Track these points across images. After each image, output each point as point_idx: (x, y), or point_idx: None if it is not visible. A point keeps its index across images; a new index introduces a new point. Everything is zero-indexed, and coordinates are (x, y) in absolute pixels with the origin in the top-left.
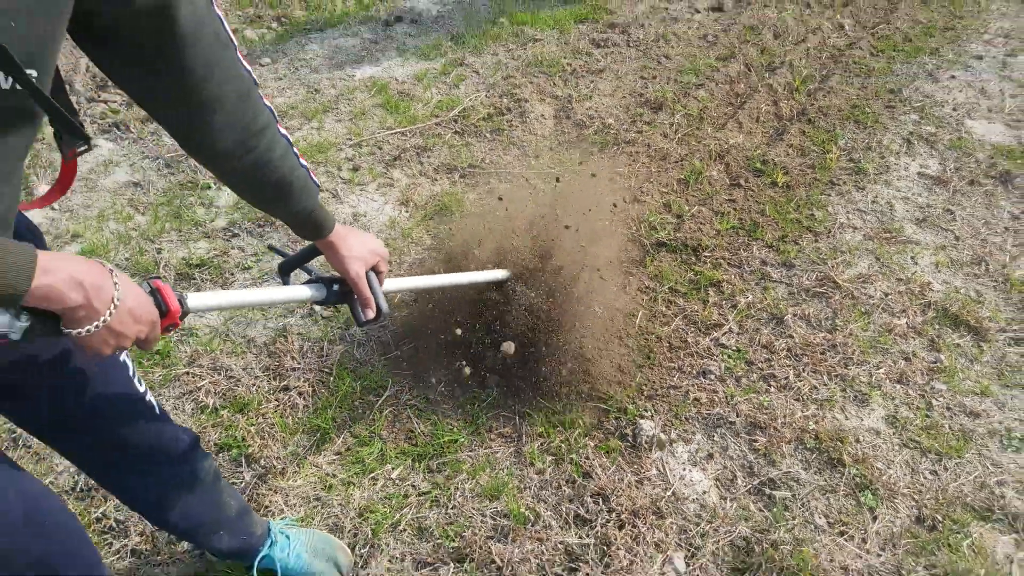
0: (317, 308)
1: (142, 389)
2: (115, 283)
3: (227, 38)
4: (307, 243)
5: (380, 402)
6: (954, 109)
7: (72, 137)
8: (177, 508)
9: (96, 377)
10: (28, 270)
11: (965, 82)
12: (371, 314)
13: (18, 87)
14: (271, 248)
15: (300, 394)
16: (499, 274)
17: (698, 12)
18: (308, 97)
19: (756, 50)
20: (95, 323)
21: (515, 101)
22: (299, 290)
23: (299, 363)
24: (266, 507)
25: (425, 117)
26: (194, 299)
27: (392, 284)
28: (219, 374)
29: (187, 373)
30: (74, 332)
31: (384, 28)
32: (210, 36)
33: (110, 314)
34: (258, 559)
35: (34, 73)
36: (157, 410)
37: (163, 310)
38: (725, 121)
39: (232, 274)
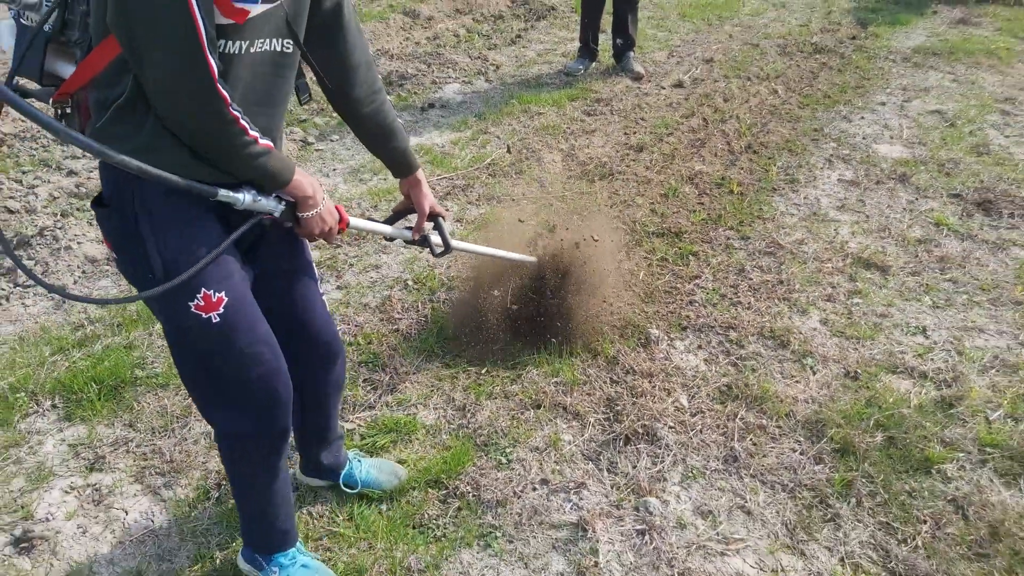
0: (404, 247)
1: (321, 291)
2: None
3: (360, 28)
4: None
5: (466, 332)
6: (864, 138)
7: (304, 92)
8: (324, 405)
9: (309, 259)
10: (291, 171)
11: (872, 120)
12: (440, 247)
13: (288, 49)
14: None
15: (408, 329)
16: (529, 258)
17: (664, 88)
18: (371, 159)
19: (711, 110)
20: (315, 210)
21: (531, 152)
22: (400, 231)
23: (402, 315)
24: (401, 396)
25: (464, 166)
26: (352, 219)
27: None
28: (349, 323)
29: None
30: (303, 214)
31: (421, 112)
32: (356, 25)
33: (322, 205)
34: (343, 474)
35: (291, 43)
36: (327, 308)
37: (338, 217)
38: (691, 156)
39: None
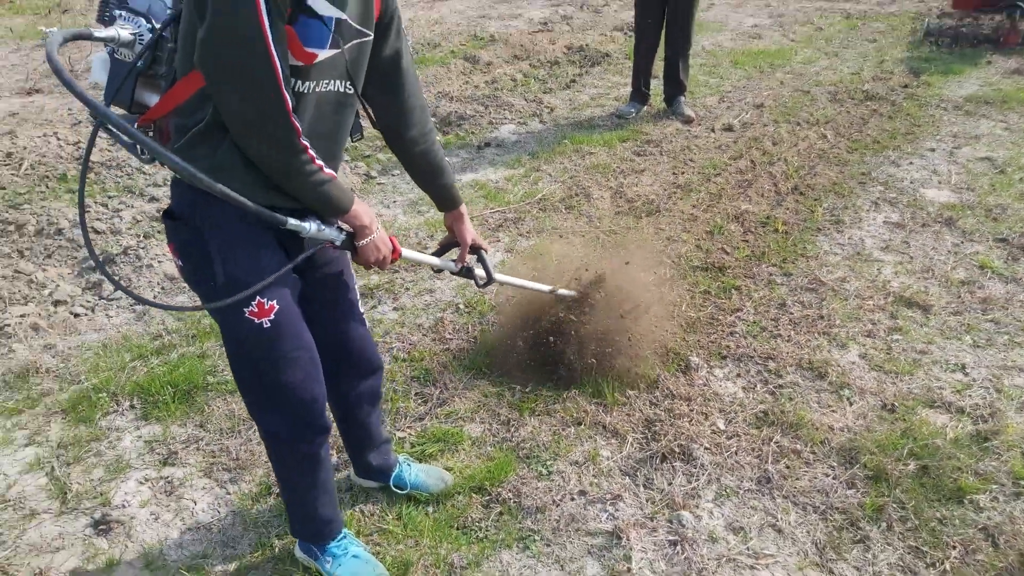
0: (452, 275)
1: (362, 311)
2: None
3: (416, 75)
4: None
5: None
6: (911, 182)
7: (356, 131)
8: (362, 413)
9: (351, 283)
10: (350, 200)
11: (921, 166)
12: (483, 279)
13: (350, 90)
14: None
15: (458, 349)
16: (569, 292)
17: (713, 132)
18: None
19: (759, 152)
20: (371, 237)
21: (581, 189)
22: (447, 263)
23: (453, 335)
24: (449, 409)
25: (516, 201)
26: (404, 251)
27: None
28: (403, 341)
29: (383, 341)
30: (360, 242)
31: (477, 150)
32: (413, 72)
33: (377, 235)
34: (393, 475)
35: (354, 86)
36: (367, 327)
37: (391, 248)
38: (737, 196)
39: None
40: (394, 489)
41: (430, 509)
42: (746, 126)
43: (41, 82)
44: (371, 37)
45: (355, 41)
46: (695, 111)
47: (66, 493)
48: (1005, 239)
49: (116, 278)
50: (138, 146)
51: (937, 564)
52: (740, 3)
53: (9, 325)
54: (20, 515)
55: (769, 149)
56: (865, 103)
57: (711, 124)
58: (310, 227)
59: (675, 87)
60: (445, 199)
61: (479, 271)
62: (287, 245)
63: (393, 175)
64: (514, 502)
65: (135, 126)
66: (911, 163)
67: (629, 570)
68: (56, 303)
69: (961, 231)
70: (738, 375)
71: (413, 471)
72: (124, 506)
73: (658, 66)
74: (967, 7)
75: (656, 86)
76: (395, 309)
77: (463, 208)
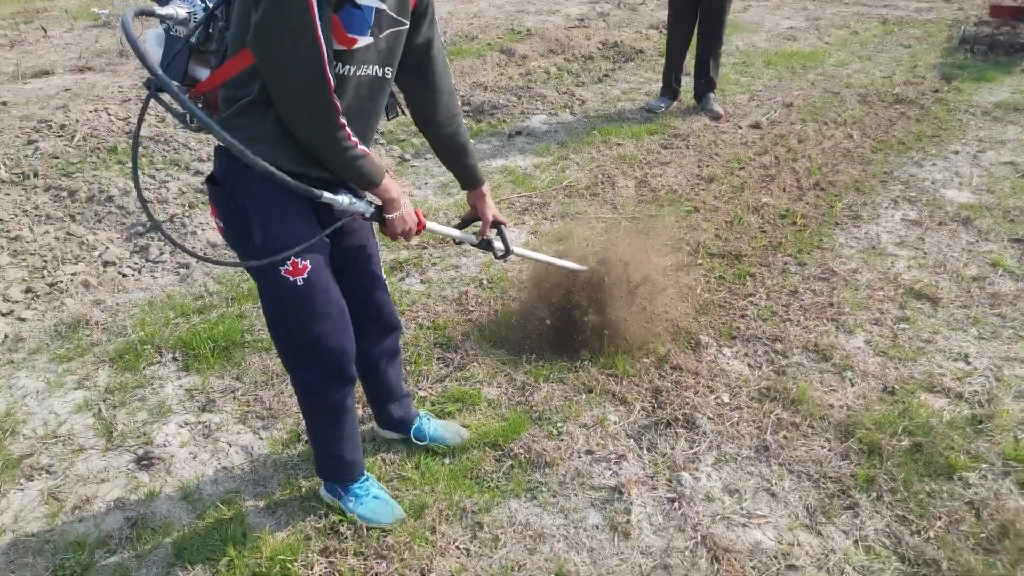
0: (471, 247)
1: (384, 277)
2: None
3: (446, 62)
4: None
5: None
6: (932, 183)
7: (392, 110)
8: (382, 368)
9: (373, 252)
10: (382, 174)
11: (943, 167)
12: (501, 250)
13: (388, 75)
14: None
15: (479, 320)
16: (581, 267)
17: (740, 128)
18: None
19: (784, 149)
20: (399, 212)
21: (606, 177)
22: (467, 235)
23: (475, 308)
24: (468, 374)
25: (543, 187)
26: (428, 223)
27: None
28: (429, 311)
29: (410, 310)
30: (389, 215)
31: (508, 138)
32: (443, 59)
33: (405, 208)
34: (413, 428)
35: (392, 71)
36: (387, 292)
37: (417, 220)
38: (759, 189)
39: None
40: (414, 440)
41: (446, 460)
42: (773, 124)
43: (92, 60)
44: (407, 26)
45: (392, 29)
46: (724, 108)
47: (111, 432)
48: (1020, 240)
49: (162, 243)
50: (188, 116)
51: (922, 532)
52: (778, 5)
53: (62, 281)
54: (69, 449)
55: (794, 146)
56: (894, 106)
57: (739, 121)
58: (343, 200)
59: (705, 84)
60: (469, 178)
61: (498, 243)
62: (320, 211)
63: (426, 159)
64: (525, 457)
65: (187, 97)
66: (934, 164)
67: (628, 521)
68: (105, 264)
69: (977, 230)
70: (745, 354)
71: (432, 425)
72: (165, 445)
73: (690, 63)
74: (1005, 16)
75: (687, 83)
76: (422, 282)
77: (485, 187)
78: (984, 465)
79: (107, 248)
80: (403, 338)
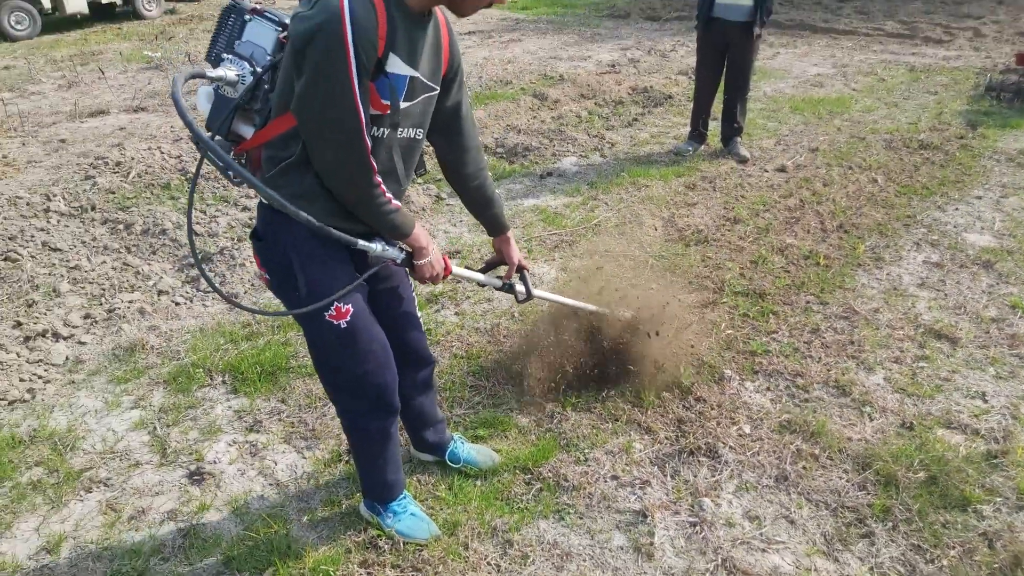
0: (495, 290)
1: (420, 317)
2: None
3: (474, 121)
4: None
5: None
6: (955, 227)
7: (421, 167)
8: (417, 399)
9: (405, 294)
10: (412, 225)
11: (966, 212)
12: (524, 294)
13: (419, 136)
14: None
15: (510, 350)
16: (602, 309)
17: (766, 172)
18: None
19: (809, 192)
20: (428, 258)
21: (634, 217)
22: (491, 279)
23: (507, 339)
24: (499, 400)
25: (573, 225)
26: (454, 268)
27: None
28: (462, 342)
29: (444, 340)
30: (418, 262)
31: (540, 179)
32: (471, 118)
33: (432, 255)
34: (447, 451)
35: (423, 132)
36: (423, 331)
37: (443, 266)
38: (784, 231)
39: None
40: (448, 463)
41: (478, 482)
42: (799, 168)
43: (146, 101)
44: (437, 91)
45: (424, 95)
46: (751, 152)
47: (165, 449)
48: None
49: (213, 275)
50: (230, 171)
51: (936, 561)
52: (806, 53)
53: (119, 308)
54: (126, 464)
55: (819, 190)
56: (919, 151)
57: (765, 165)
58: (376, 247)
59: (732, 128)
60: (495, 225)
61: (520, 287)
62: (356, 259)
63: None
64: (553, 481)
65: (231, 154)
66: (956, 209)
67: (651, 543)
68: (160, 292)
69: (998, 273)
70: (767, 388)
71: (466, 448)
72: (215, 462)
73: (717, 108)
74: None
75: (714, 127)
76: (456, 314)
77: (510, 233)
78: (999, 499)
79: (161, 278)
80: (437, 367)
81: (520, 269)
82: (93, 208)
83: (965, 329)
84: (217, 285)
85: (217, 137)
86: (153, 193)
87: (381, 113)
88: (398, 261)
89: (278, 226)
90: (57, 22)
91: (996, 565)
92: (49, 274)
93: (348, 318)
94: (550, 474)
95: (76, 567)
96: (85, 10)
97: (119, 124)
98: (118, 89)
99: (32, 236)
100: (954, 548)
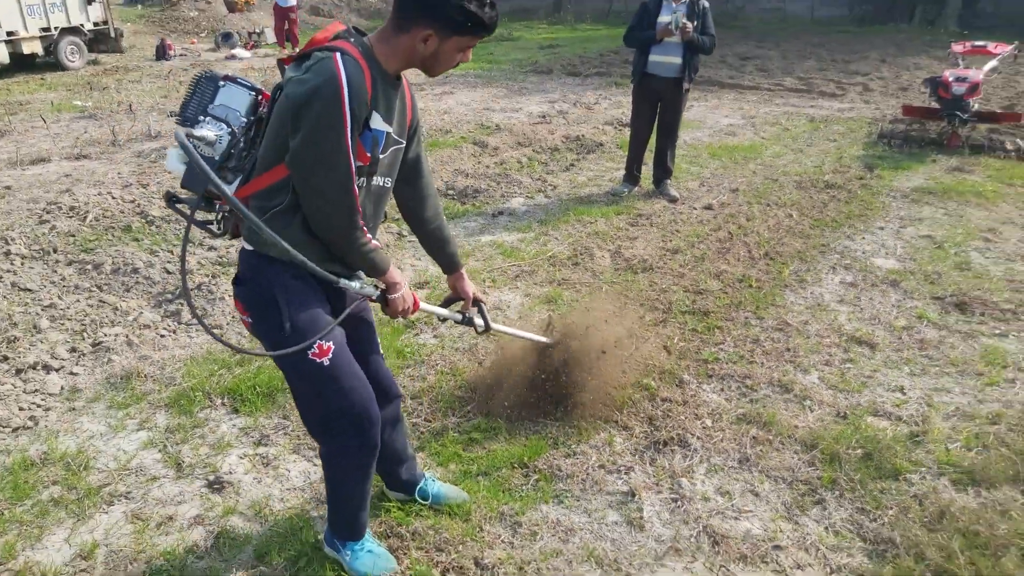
0: (456, 324)
1: (379, 346)
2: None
3: (431, 171)
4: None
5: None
6: (863, 253)
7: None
8: (387, 433)
9: (369, 322)
10: (388, 264)
11: (871, 240)
12: (482, 326)
13: (388, 184)
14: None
15: (492, 366)
16: (546, 339)
17: (695, 209)
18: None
19: (735, 226)
20: (399, 293)
21: (584, 249)
22: (453, 314)
23: (486, 356)
24: (487, 408)
25: (530, 257)
26: (422, 304)
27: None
28: (445, 361)
29: (428, 359)
30: (390, 296)
31: (492, 217)
32: (428, 169)
33: (403, 290)
34: (418, 488)
35: (391, 181)
36: (383, 361)
37: (412, 301)
38: (718, 259)
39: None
40: (419, 500)
41: (480, 479)
42: (723, 206)
43: (87, 149)
44: (403, 144)
45: (393, 148)
46: (679, 192)
47: (180, 464)
48: (940, 298)
49: (200, 313)
50: (216, 221)
51: (878, 519)
52: (716, 106)
53: (105, 341)
54: (143, 479)
55: (743, 224)
56: (826, 190)
57: (693, 203)
58: (356, 284)
59: (663, 172)
60: (450, 263)
61: (478, 320)
62: (332, 299)
63: None
64: (548, 472)
65: (218, 206)
66: (863, 238)
67: (641, 518)
68: (143, 326)
69: (904, 290)
70: (722, 389)
71: (436, 486)
72: (231, 472)
73: (648, 155)
74: (915, 115)
75: (645, 171)
76: (435, 337)
77: (464, 270)
78: (923, 468)
79: (141, 313)
80: (425, 382)
81: (476, 302)
82: (55, 250)
83: (881, 336)
84: (208, 325)
85: (190, 194)
86: (115, 235)
87: (363, 164)
88: (374, 297)
89: (263, 270)
90: None
91: (926, 519)
92: (25, 312)
93: (330, 355)
94: (545, 466)
95: (115, 570)
96: (6, 60)
97: (63, 171)
98: (55, 137)
99: (0, 277)
100: (891, 508)
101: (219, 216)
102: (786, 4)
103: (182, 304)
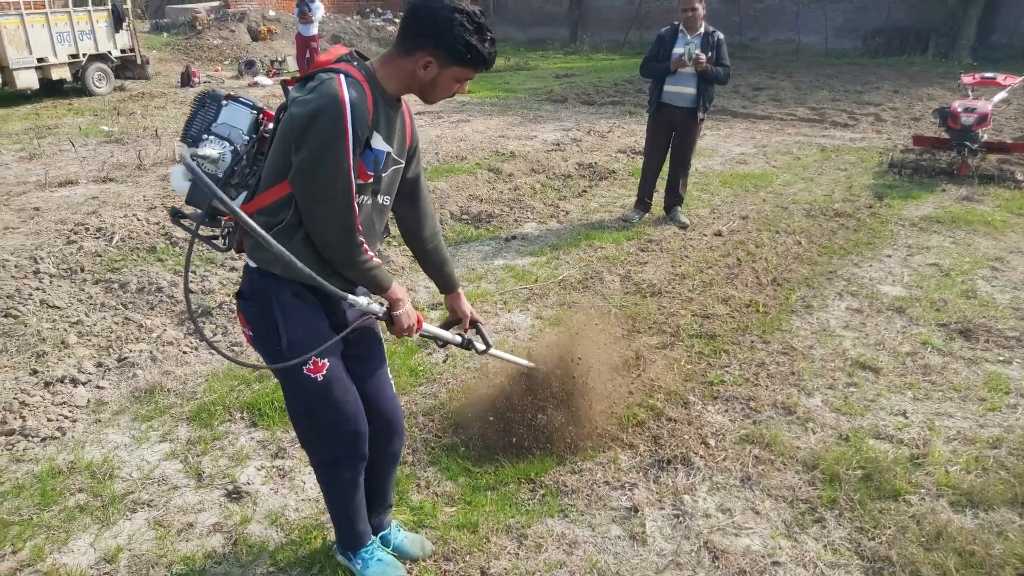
0: (455, 348)
1: (390, 377)
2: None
3: (429, 191)
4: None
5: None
6: (870, 280)
7: (385, 232)
8: (382, 471)
9: (379, 355)
10: (390, 281)
11: (879, 268)
12: (482, 348)
13: (387, 203)
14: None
15: (502, 385)
16: (528, 363)
17: (705, 236)
18: (468, 272)
19: (744, 253)
20: (403, 309)
21: (595, 273)
22: (452, 336)
23: (496, 375)
24: (499, 427)
25: (541, 280)
26: (424, 324)
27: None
28: (456, 379)
29: (440, 377)
30: (395, 312)
31: (505, 241)
32: (426, 190)
33: (407, 308)
34: (382, 535)
35: (390, 199)
36: (393, 391)
37: (415, 319)
38: (725, 284)
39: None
40: (380, 545)
41: (489, 493)
42: (733, 232)
43: (113, 172)
44: (403, 164)
45: (393, 167)
46: (690, 219)
47: (200, 474)
48: (945, 324)
49: (214, 327)
50: (221, 237)
51: (876, 538)
52: (729, 135)
53: (130, 356)
54: (165, 488)
55: (752, 250)
56: (835, 219)
57: (703, 230)
58: (363, 300)
59: (674, 199)
60: (447, 283)
61: (479, 344)
62: (331, 317)
63: None
64: (554, 487)
65: (223, 221)
66: (871, 265)
67: (644, 532)
68: (166, 343)
69: (909, 317)
70: (726, 410)
71: (399, 536)
72: (249, 483)
73: (659, 183)
74: (925, 144)
75: (657, 199)
76: (447, 357)
77: (460, 290)
78: (923, 490)
79: (164, 330)
80: (436, 400)
81: (474, 323)
82: (82, 269)
83: (885, 361)
84: (207, 336)
85: (196, 210)
86: (140, 256)
87: (364, 182)
88: (379, 314)
89: (265, 286)
90: (6, 97)
91: (924, 538)
92: (53, 328)
93: (324, 372)
94: (551, 482)
95: (137, 573)
96: (35, 85)
97: (90, 193)
98: (82, 161)
99: (29, 295)
100: (890, 528)
101: (224, 231)
102: (800, 36)
103: (204, 322)
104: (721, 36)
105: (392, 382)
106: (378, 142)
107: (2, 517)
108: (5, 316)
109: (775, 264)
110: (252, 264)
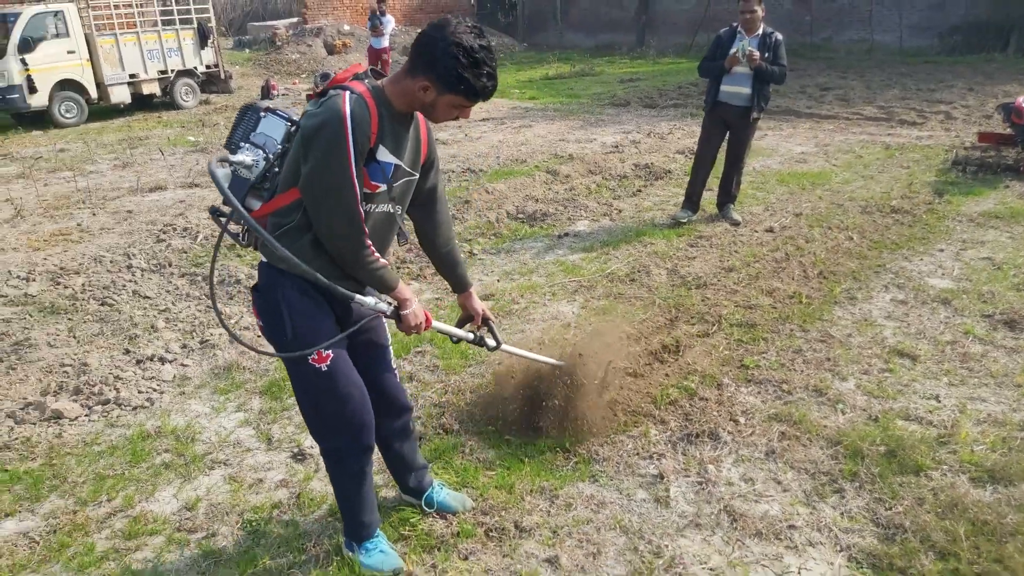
0: (468, 344)
1: (395, 367)
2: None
3: (446, 199)
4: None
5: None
6: (919, 273)
7: (403, 237)
8: (396, 445)
9: (382, 346)
10: (396, 281)
11: (930, 262)
12: (493, 345)
13: (397, 211)
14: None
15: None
16: (558, 362)
17: (756, 232)
18: (520, 267)
19: (793, 248)
20: (411, 308)
21: (643, 267)
22: (464, 333)
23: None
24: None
25: (590, 274)
26: (434, 322)
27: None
28: (503, 364)
29: (484, 362)
30: (403, 312)
31: (558, 238)
32: (444, 199)
33: (415, 307)
34: (424, 495)
35: (402, 208)
36: (398, 379)
37: (424, 318)
38: (771, 277)
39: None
40: (424, 508)
41: (525, 459)
42: (784, 228)
43: (198, 179)
44: (416, 176)
45: (404, 179)
46: (742, 216)
47: (270, 439)
48: (990, 316)
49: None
50: (242, 233)
51: (892, 508)
52: (790, 135)
53: (211, 339)
54: (239, 450)
55: (802, 245)
56: (891, 215)
57: (755, 226)
58: (371, 300)
59: (727, 196)
60: (460, 283)
61: (490, 340)
62: (337, 313)
63: (491, 253)
64: (587, 456)
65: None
66: (921, 259)
67: (668, 496)
68: (243, 328)
69: (954, 308)
70: (758, 392)
71: (442, 494)
72: (312, 447)
73: (712, 181)
74: (991, 141)
75: (708, 197)
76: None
77: (472, 290)
78: (945, 466)
79: (241, 317)
80: (481, 379)
81: (486, 320)
82: (170, 264)
83: (924, 349)
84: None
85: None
86: (221, 252)
87: (372, 192)
88: (388, 313)
89: (274, 282)
90: (101, 110)
91: (939, 508)
92: (144, 315)
93: (328, 362)
94: (584, 451)
95: (214, 519)
96: (128, 100)
97: (178, 198)
98: (170, 168)
99: (124, 286)
100: (907, 499)
101: (244, 229)
102: (874, 35)
103: (240, 313)
104: (780, 37)
105: (394, 362)
106: (384, 155)
107: (99, 472)
108: (103, 304)
109: (823, 258)
110: (264, 259)
